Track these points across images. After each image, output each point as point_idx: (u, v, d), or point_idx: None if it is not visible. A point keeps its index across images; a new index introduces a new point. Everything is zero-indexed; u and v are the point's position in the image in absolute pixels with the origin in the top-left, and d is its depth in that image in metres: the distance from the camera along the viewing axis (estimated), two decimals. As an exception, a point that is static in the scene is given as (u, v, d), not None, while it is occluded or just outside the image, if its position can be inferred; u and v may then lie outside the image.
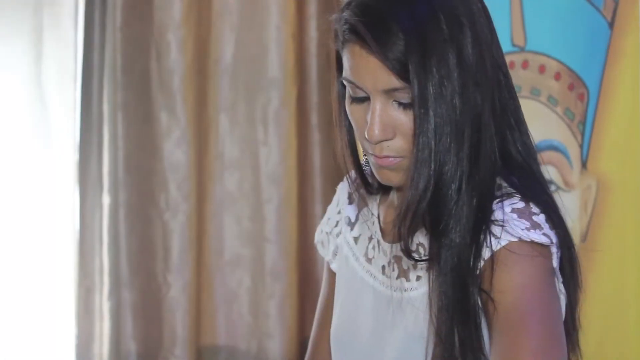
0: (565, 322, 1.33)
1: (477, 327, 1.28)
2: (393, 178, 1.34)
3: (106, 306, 3.16)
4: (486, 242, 1.27)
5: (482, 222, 1.29)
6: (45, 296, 3.18)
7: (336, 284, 1.53)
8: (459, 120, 1.27)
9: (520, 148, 1.36)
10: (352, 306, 1.46)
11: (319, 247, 1.59)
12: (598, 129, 2.28)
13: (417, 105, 1.27)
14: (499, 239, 1.27)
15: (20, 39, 3.12)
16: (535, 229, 1.27)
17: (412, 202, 1.28)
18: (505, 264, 1.25)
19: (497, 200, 1.30)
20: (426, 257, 1.33)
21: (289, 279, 3.25)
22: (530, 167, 1.37)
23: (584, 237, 2.28)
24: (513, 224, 1.27)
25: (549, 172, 2.37)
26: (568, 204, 2.31)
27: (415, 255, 1.33)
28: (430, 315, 1.31)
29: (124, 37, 3.15)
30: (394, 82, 1.28)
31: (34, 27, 3.13)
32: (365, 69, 1.30)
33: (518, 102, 1.39)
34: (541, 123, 2.36)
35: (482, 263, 1.28)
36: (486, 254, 1.27)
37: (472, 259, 1.28)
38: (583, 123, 2.31)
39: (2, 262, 3.12)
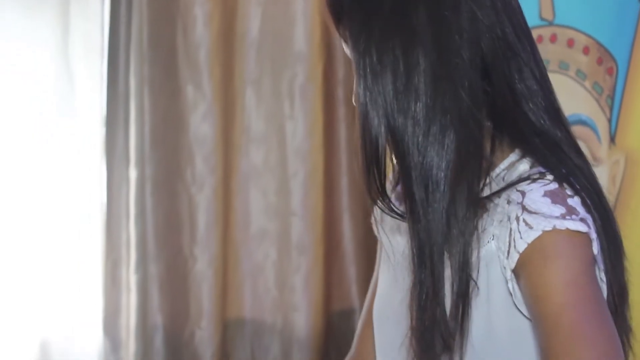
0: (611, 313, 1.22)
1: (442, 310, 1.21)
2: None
3: (133, 279, 3.17)
4: (520, 232, 1.18)
5: (466, 186, 1.21)
6: (72, 269, 3.20)
7: (382, 258, 1.47)
8: (400, 70, 1.22)
9: (539, 112, 1.28)
10: (393, 279, 1.39)
11: (372, 222, 1.49)
12: (627, 104, 2.26)
13: (352, 52, 1.27)
14: (532, 230, 1.18)
15: (47, 13, 3.13)
16: (570, 215, 1.18)
17: (363, 162, 1.24)
18: (541, 260, 1.17)
19: (529, 181, 1.21)
20: (402, 214, 1.27)
21: (315, 253, 3.25)
22: (556, 135, 1.28)
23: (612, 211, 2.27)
24: (547, 211, 1.18)
25: (577, 146, 2.36)
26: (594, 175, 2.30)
27: (397, 211, 1.28)
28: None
29: (151, 11, 3.15)
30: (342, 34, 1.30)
31: (60, 1, 3.14)
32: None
33: (532, 61, 1.29)
34: (569, 97, 2.34)
35: (516, 257, 1.19)
36: (521, 246, 1.18)
37: (451, 226, 1.20)
38: (612, 97, 2.29)
39: (30, 236, 3.14)
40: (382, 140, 1.23)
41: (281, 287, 3.26)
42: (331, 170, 3.30)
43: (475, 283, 1.22)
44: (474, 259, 1.21)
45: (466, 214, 1.21)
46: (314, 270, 3.25)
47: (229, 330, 3.28)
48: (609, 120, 2.30)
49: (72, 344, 3.20)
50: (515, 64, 1.27)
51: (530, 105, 1.28)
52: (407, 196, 1.23)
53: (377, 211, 1.42)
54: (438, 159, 1.21)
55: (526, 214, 1.19)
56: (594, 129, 2.33)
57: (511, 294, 1.22)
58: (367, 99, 1.24)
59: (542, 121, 1.28)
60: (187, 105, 3.21)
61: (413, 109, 1.22)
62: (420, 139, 1.21)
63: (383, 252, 1.46)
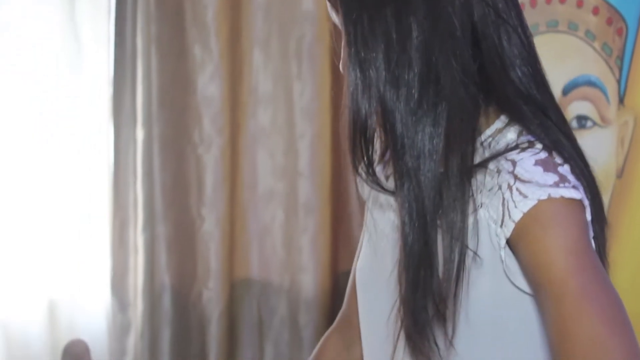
0: None
1: (434, 277, 1.21)
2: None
3: (140, 239, 3.18)
4: (514, 201, 1.19)
5: (456, 159, 1.21)
6: (80, 230, 3.21)
7: (366, 223, 1.49)
8: (390, 38, 1.21)
9: (526, 79, 1.27)
10: (377, 244, 1.40)
11: (359, 187, 1.50)
12: (636, 65, 2.25)
13: (342, 24, 1.26)
14: (527, 199, 1.18)
15: (54, -28, 3.12)
16: (563, 183, 1.19)
17: (351, 134, 1.24)
18: (540, 227, 1.17)
19: (518, 150, 1.22)
20: (392, 190, 1.27)
21: (322, 214, 3.25)
22: (541, 101, 1.28)
23: (620, 173, 2.27)
24: (540, 179, 1.19)
25: (586, 107, 2.35)
26: (604, 139, 2.29)
27: (382, 185, 1.28)
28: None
29: (158, -30, 3.13)
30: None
31: (67, -40, 3.12)
32: None
33: (519, 28, 1.28)
34: (578, 58, 2.33)
35: (512, 226, 1.19)
36: (516, 215, 1.18)
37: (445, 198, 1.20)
38: (621, 58, 2.28)
39: (38, 196, 3.15)
40: (371, 110, 1.23)
41: (288, 248, 3.26)
42: (339, 130, 3.29)
43: (473, 251, 1.22)
44: (466, 226, 1.21)
45: (459, 182, 1.21)
46: (321, 231, 3.25)
47: (236, 290, 3.29)
48: (618, 81, 2.29)
49: (79, 304, 3.22)
50: (504, 31, 1.27)
51: (518, 72, 1.27)
52: (398, 167, 1.23)
53: (361, 184, 1.44)
54: (430, 128, 1.21)
55: (519, 183, 1.19)
56: (602, 90, 2.32)
57: (502, 262, 1.23)
58: (358, 69, 1.24)
59: (529, 88, 1.28)
60: (195, 66, 3.20)
61: (405, 78, 1.22)
62: (412, 109, 1.21)
63: (364, 225, 1.47)
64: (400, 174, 1.23)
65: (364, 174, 1.27)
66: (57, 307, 3.18)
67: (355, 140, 1.25)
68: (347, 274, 1.65)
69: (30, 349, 3.16)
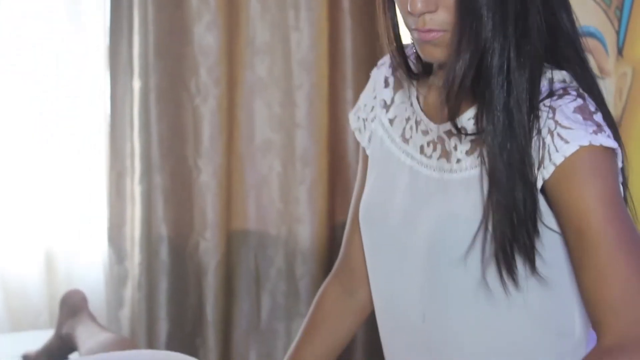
0: None
1: (535, 208, 1.28)
2: (436, 54, 1.33)
3: (137, 190, 3.18)
4: (555, 146, 1.25)
5: (536, 96, 1.28)
6: (77, 180, 3.21)
7: (369, 168, 1.54)
8: None
9: (569, 27, 1.34)
10: (386, 186, 1.47)
11: (356, 134, 1.58)
12: (635, 15, 2.24)
13: None
14: (569, 144, 1.24)
15: None
16: (601, 132, 1.25)
17: (459, 71, 1.27)
18: (581, 174, 1.24)
19: (555, 97, 1.28)
20: (474, 132, 1.32)
21: (319, 165, 3.25)
22: (579, 51, 1.35)
23: (618, 124, 2.26)
24: (580, 127, 1.25)
25: (584, 58, 2.34)
26: (603, 91, 2.28)
27: (463, 130, 1.34)
28: (482, 197, 1.31)
29: None
30: None
31: None
32: None
33: None
34: (577, 9, 2.31)
35: (552, 169, 1.26)
36: (557, 159, 1.25)
37: (528, 135, 1.27)
38: (620, 9, 2.27)
39: (35, 147, 3.14)
40: (476, 57, 1.27)
41: (285, 199, 3.26)
42: (336, 81, 3.29)
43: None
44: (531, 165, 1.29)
45: (529, 123, 1.28)
46: (318, 182, 3.25)
47: (233, 241, 3.29)
48: (617, 33, 2.27)
49: (77, 255, 3.23)
50: None
51: (564, 15, 1.34)
52: (490, 108, 1.27)
53: (363, 123, 1.54)
54: (523, 73, 1.27)
55: (560, 129, 1.25)
56: (601, 41, 2.31)
57: (539, 205, 1.29)
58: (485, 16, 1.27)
59: (571, 32, 1.35)
60: (192, 16, 3.18)
61: (511, 33, 1.27)
62: (512, 56, 1.27)
63: (373, 160, 1.52)
64: (492, 116, 1.27)
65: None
66: (55, 258, 3.19)
67: (453, 85, 1.29)
68: (344, 225, 1.67)
69: (27, 300, 3.17)
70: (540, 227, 1.29)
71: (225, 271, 3.26)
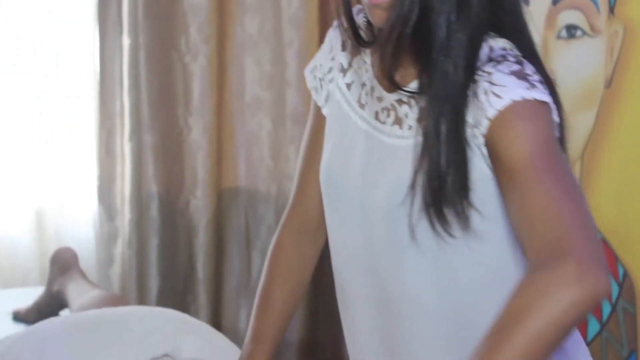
0: None
1: (465, 170, 1.32)
2: (385, 17, 1.35)
3: (127, 148, 3.18)
4: (489, 102, 1.29)
5: (474, 61, 1.32)
6: (67, 138, 3.20)
7: (327, 129, 1.56)
8: None
9: None
10: (345, 149, 1.49)
11: (313, 93, 1.60)
12: (627, -27, 2.23)
13: None
14: (502, 99, 1.29)
15: None
16: (534, 88, 1.30)
17: (397, 22, 1.31)
18: (514, 121, 1.28)
19: (493, 63, 1.32)
20: (413, 92, 1.36)
21: (310, 123, 3.25)
22: (520, 19, 1.39)
23: (609, 83, 2.26)
24: (514, 85, 1.29)
25: (576, 16, 2.33)
26: (594, 49, 2.28)
27: (405, 88, 1.37)
28: (417, 156, 1.34)
29: None
30: None
31: None
32: None
33: None
34: (569, -34, 2.31)
35: (487, 123, 1.30)
36: (491, 113, 1.29)
37: (464, 98, 1.31)
38: (612, -33, 2.26)
39: (24, 105, 3.13)
40: (415, 9, 1.30)
41: (276, 157, 3.26)
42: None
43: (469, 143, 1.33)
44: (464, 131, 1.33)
45: (465, 83, 1.32)
46: (309, 141, 3.25)
47: (223, 199, 3.30)
48: (609, -10, 2.27)
49: (67, 212, 3.23)
50: None
51: None
52: (428, 65, 1.32)
53: (319, 83, 1.57)
54: (462, 35, 1.31)
55: (494, 87, 1.30)
56: (593, 0, 2.30)
57: (484, 157, 1.32)
58: None
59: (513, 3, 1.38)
60: (181, -27, 3.16)
61: None
62: (452, 19, 1.31)
63: (331, 122, 1.54)
64: (431, 73, 1.32)
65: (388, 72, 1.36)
66: (44, 215, 3.19)
67: (392, 36, 1.33)
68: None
69: (17, 258, 3.18)
70: (477, 185, 1.33)
71: (216, 229, 3.26)
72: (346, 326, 1.56)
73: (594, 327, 2.32)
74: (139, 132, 3.16)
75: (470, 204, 1.33)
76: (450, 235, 1.34)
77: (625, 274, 2.25)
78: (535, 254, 1.19)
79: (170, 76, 3.22)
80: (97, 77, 3.18)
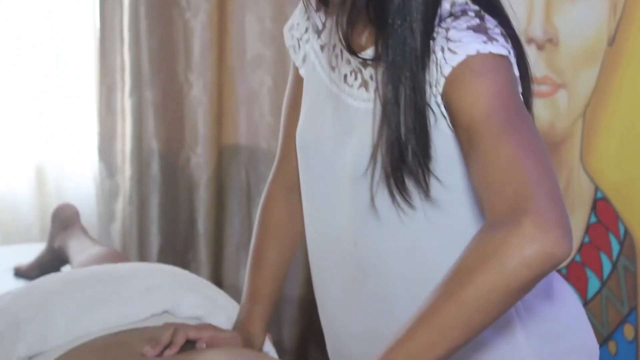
0: None
1: (426, 137, 1.29)
2: None
3: (128, 104, 3.17)
4: (445, 59, 1.26)
5: (432, 23, 1.29)
6: (67, 95, 3.19)
7: (304, 90, 1.55)
8: None
9: None
10: (318, 113, 1.48)
11: (291, 52, 1.59)
12: None
13: None
14: (457, 54, 1.25)
15: None
16: (492, 42, 1.26)
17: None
18: (468, 75, 1.25)
19: (452, 18, 1.29)
20: (370, 58, 1.34)
21: (311, 80, 3.24)
22: None
23: (612, 41, 2.25)
24: (470, 39, 1.26)
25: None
26: (597, 6, 2.26)
27: (361, 54, 1.35)
28: (375, 119, 1.33)
29: None
30: None
31: None
32: None
33: None
34: None
35: (442, 81, 1.27)
36: (446, 70, 1.26)
37: (421, 62, 1.28)
38: None
39: (26, 61, 3.13)
40: None
41: (276, 114, 3.25)
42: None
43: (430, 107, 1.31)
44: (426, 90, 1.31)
45: (424, 47, 1.29)
46: (310, 98, 3.24)
47: (224, 156, 3.29)
48: (613, -54, 2.25)
49: (67, 168, 3.23)
50: None
51: None
52: (385, 30, 1.30)
53: (297, 42, 1.56)
54: (416, 2, 1.29)
55: (450, 43, 1.27)
56: (597, -44, 2.29)
57: (445, 118, 1.30)
58: None
59: None
60: None
61: None
62: None
63: (307, 84, 1.53)
64: (386, 37, 1.30)
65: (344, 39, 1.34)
66: (45, 171, 3.19)
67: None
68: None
69: (18, 214, 3.18)
70: (438, 153, 1.31)
71: (217, 186, 3.26)
72: (318, 293, 1.56)
73: (594, 285, 2.32)
74: (139, 89, 3.15)
75: (431, 173, 1.30)
76: (410, 206, 1.33)
77: (626, 232, 2.25)
78: (493, 212, 1.15)
79: (170, 32, 3.20)
80: (98, 33, 3.17)
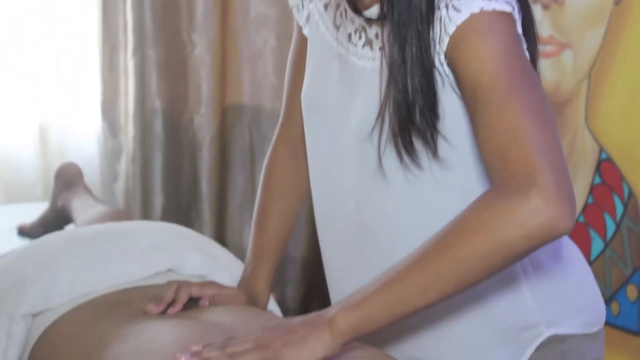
0: None
1: (434, 96, 1.29)
2: None
3: (131, 63, 3.16)
4: (449, 17, 1.25)
5: None
6: (70, 53, 3.18)
7: (308, 50, 1.54)
8: None
9: None
10: (322, 73, 1.48)
11: (294, 12, 1.58)
12: None
13: None
14: (461, 13, 1.25)
15: None
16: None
17: None
18: (473, 37, 1.24)
19: None
20: (375, 18, 1.33)
21: (315, 40, 3.22)
22: None
23: (618, 0, 2.24)
24: None
25: None
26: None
27: (366, 13, 1.35)
28: (382, 78, 1.32)
29: None
30: None
31: None
32: None
33: None
34: None
35: (447, 40, 1.26)
36: (450, 29, 1.26)
37: (426, 20, 1.27)
38: None
39: (28, 20, 3.11)
40: None
41: (280, 74, 3.24)
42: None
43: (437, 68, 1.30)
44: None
45: (428, 5, 1.28)
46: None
47: (227, 115, 3.29)
48: None
49: (70, 127, 3.22)
50: None
51: None
52: None
53: (300, 1, 1.55)
54: None
55: (454, 1, 1.26)
56: None
57: (448, 76, 1.29)
58: None
59: None
60: None
61: None
62: None
63: (311, 44, 1.52)
64: (393, 3, 1.29)
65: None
66: (48, 130, 3.19)
67: None
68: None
69: (22, 173, 3.18)
70: (446, 112, 1.31)
71: (220, 146, 3.26)
72: (323, 252, 1.56)
73: (597, 245, 2.32)
74: (142, 48, 3.14)
75: (439, 132, 1.30)
76: (418, 166, 1.33)
77: (630, 193, 2.25)
78: (499, 177, 1.17)
79: (174, -9, 3.19)
80: (101, -9, 3.16)
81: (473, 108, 1.24)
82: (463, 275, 1.16)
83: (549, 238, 1.13)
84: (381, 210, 1.40)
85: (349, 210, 1.44)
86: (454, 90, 1.30)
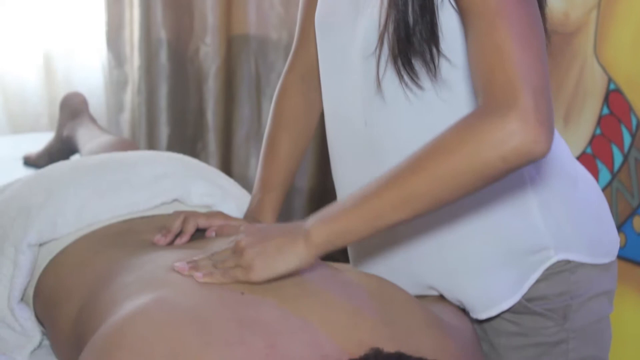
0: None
1: (434, 16, 1.29)
2: None
3: (136, -7, 3.14)
4: None
5: None
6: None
7: None
8: None
9: None
10: None
11: None
12: None
13: None
14: None
15: None
16: None
17: None
18: None
19: None
20: None
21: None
22: None
23: None
24: None
25: None
26: None
27: None
28: (384, 6, 1.32)
29: None
30: None
31: None
32: None
33: None
34: None
35: None
36: None
37: None
38: None
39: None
40: None
41: (286, 3, 3.22)
42: None
43: None
44: None
45: None
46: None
47: (233, 45, 3.27)
48: None
49: (75, 58, 3.21)
50: None
51: None
52: None
53: None
54: None
55: None
56: None
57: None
58: None
59: None
60: None
61: None
62: None
63: None
64: None
65: None
66: (53, 59, 3.18)
67: None
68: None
69: (27, 103, 3.18)
70: (446, 31, 1.30)
71: (226, 76, 3.25)
72: (334, 174, 1.56)
73: (605, 176, 2.32)
74: (147, -24, 3.12)
75: (439, 52, 1.31)
76: (419, 86, 1.33)
77: (638, 124, 2.24)
78: (481, 98, 1.18)
79: None
80: None
81: (465, 25, 1.24)
82: (438, 194, 1.18)
83: (525, 161, 1.14)
84: (387, 128, 1.40)
85: (353, 128, 1.44)
86: (452, 5, 1.29)
